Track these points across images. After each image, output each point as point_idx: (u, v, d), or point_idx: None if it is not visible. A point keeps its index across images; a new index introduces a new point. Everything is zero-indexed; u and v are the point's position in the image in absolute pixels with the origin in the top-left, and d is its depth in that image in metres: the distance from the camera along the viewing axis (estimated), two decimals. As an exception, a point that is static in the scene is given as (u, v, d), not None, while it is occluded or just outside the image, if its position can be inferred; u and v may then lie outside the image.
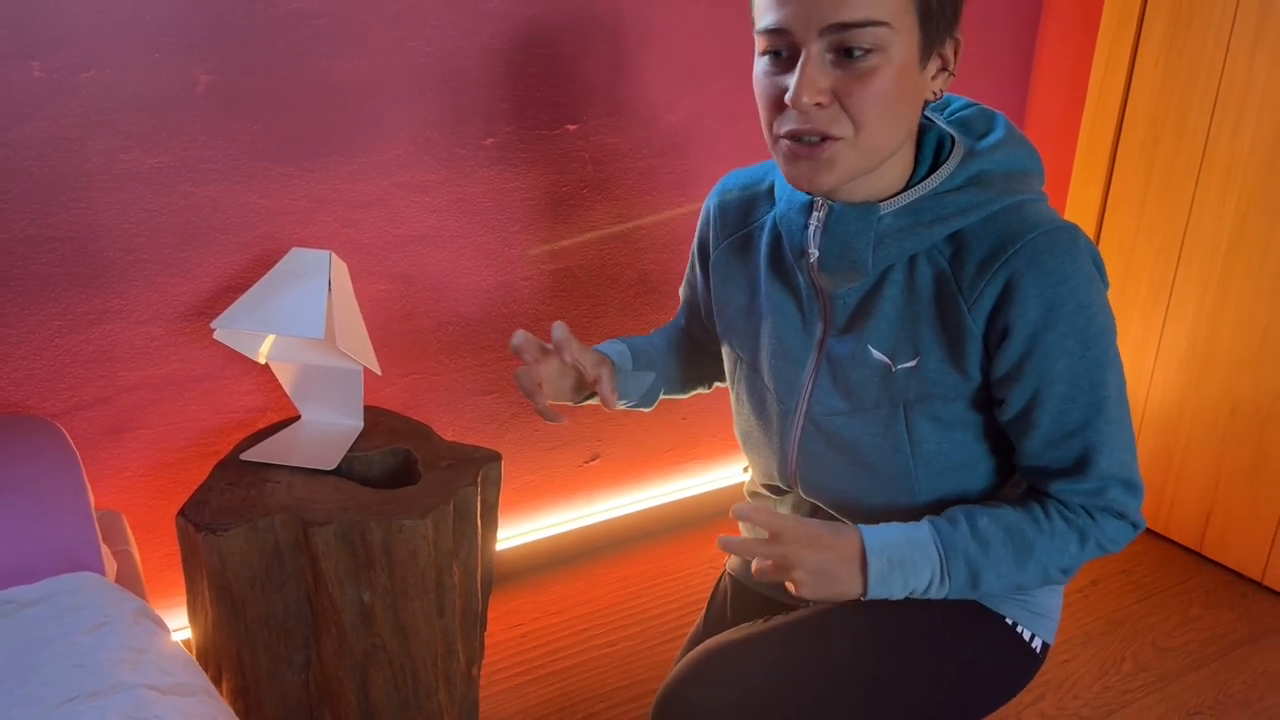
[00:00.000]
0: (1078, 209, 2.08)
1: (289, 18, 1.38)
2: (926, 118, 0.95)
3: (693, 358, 1.24)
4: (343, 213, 1.52)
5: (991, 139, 0.92)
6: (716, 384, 1.24)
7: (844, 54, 0.81)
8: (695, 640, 1.21)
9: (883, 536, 0.90)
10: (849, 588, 0.88)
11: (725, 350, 1.11)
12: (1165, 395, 2.00)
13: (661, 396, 1.19)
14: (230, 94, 1.38)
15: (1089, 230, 2.07)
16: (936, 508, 0.97)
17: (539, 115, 1.62)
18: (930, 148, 0.92)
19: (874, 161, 0.87)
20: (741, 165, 1.83)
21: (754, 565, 0.88)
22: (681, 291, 1.22)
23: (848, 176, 0.87)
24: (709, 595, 1.26)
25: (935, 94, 0.88)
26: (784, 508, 1.11)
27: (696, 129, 1.78)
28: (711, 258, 1.09)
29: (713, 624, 1.21)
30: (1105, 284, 0.91)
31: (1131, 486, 0.92)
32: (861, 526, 0.91)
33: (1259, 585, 1.92)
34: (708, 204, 1.11)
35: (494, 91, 1.57)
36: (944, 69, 0.87)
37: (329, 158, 1.48)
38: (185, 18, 1.32)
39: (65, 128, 1.29)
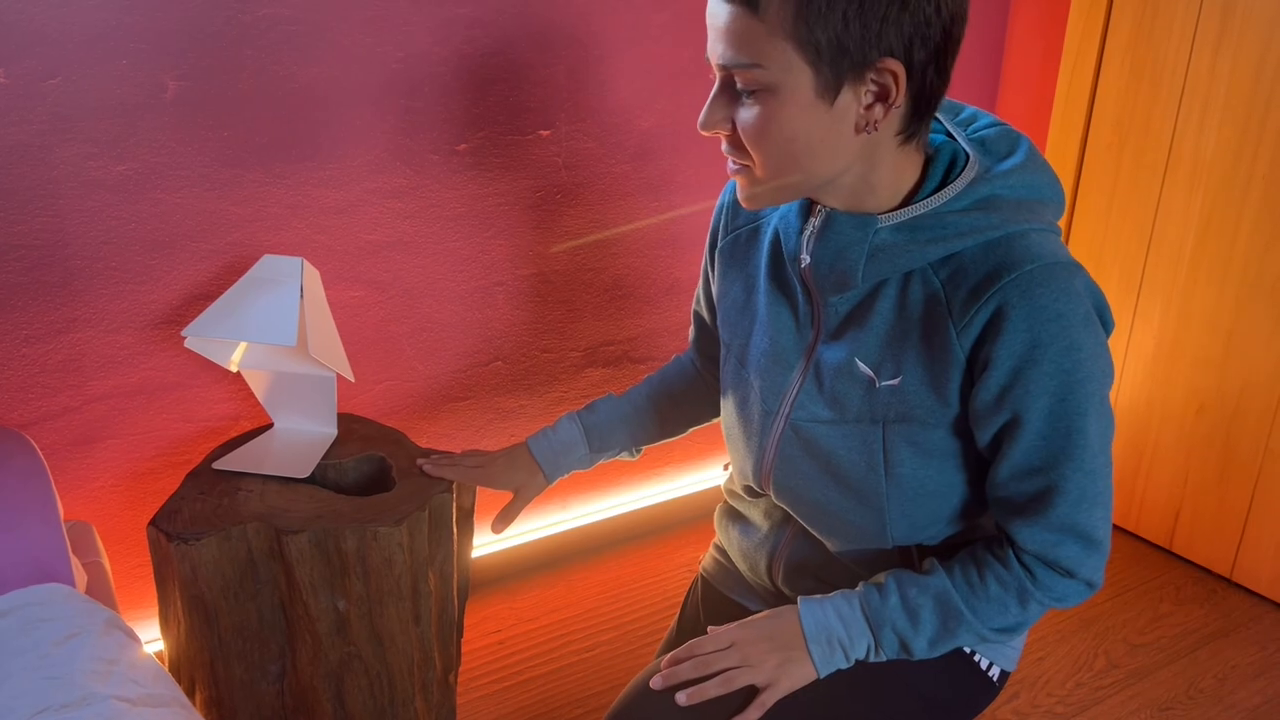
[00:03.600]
0: (1047, 211, 2.10)
1: (259, 23, 1.37)
2: (947, 133, 0.93)
3: (683, 405, 1.25)
4: (315, 219, 1.51)
5: (1010, 163, 0.89)
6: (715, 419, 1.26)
7: (738, 89, 0.84)
8: (670, 644, 1.22)
9: (818, 618, 0.94)
10: (807, 668, 0.94)
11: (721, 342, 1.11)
12: (1134, 394, 2.03)
13: (645, 449, 1.28)
14: (200, 100, 1.37)
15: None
16: (906, 530, 0.97)
17: (512, 121, 1.62)
18: (943, 164, 0.90)
19: (799, 189, 0.88)
20: (714, 170, 1.84)
21: (711, 686, 0.91)
22: (696, 293, 1.21)
23: (768, 202, 0.90)
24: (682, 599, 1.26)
25: (873, 124, 0.84)
26: (756, 512, 1.12)
27: (669, 134, 1.79)
28: (718, 246, 1.10)
29: (686, 628, 1.21)
30: (1109, 328, 0.88)
31: (1091, 543, 0.90)
32: (801, 608, 0.95)
33: (1228, 581, 1.94)
34: (723, 194, 1.11)
35: (466, 97, 1.57)
36: (881, 99, 0.82)
37: (300, 164, 1.47)
38: (154, 23, 1.31)
39: (31, 135, 1.28)
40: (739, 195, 0.92)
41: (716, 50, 0.84)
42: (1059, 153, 2.06)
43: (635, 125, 1.75)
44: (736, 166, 0.89)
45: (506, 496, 1.24)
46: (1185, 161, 1.85)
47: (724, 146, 0.89)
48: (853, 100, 0.82)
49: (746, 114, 0.84)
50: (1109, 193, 1.99)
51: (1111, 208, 2.00)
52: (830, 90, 0.81)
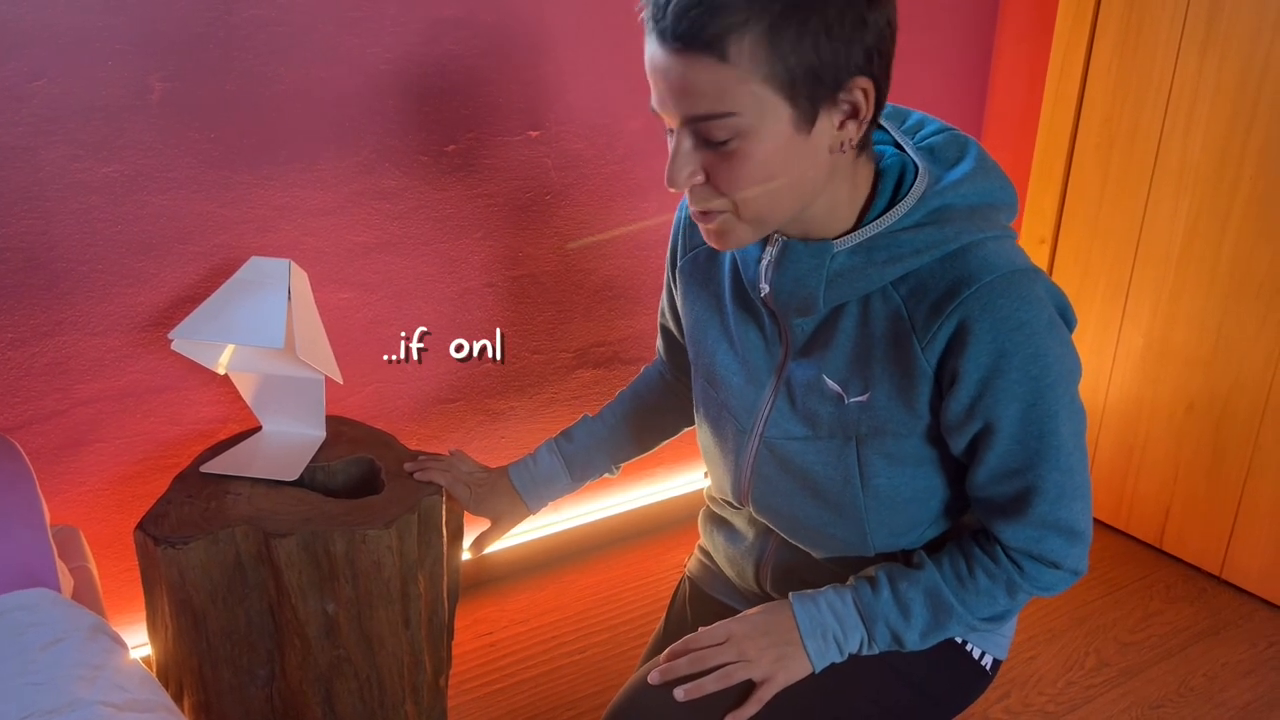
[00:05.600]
0: (1036, 212, 2.11)
1: (246, 25, 1.37)
2: (896, 144, 0.92)
3: (658, 419, 1.26)
4: (302, 221, 1.50)
5: (959, 171, 0.88)
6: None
7: (708, 139, 0.81)
8: (656, 644, 1.21)
9: (811, 613, 0.95)
10: (803, 662, 0.94)
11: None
12: (1124, 394, 2.03)
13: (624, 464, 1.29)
14: (186, 102, 1.36)
15: (1047, 232, 2.10)
16: (887, 538, 0.98)
17: (501, 121, 1.62)
18: (893, 178, 0.89)
19: (774, 222, 0.86)
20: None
21: (709, 681, 0.92)
22: (661, 306, 1.21)
23: (747, 241, 0.88)
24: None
25: (848, 142, 0.83)
26: (741, 519, 1.11)
27: (658, 135, 1.78)
28: (678, 266, 1.09)
29: (673, 628, 1.21)
30: (1071, 325, 0.89)
31: (1073, 535, 0.91)
32: (794, 604, 0.96)
33: (1217, 579, 1.95)
34: (679, 212, 1.10)
35: (455, 98, 1.56)
36: (853, 116, 0.81)
37: (288, 165, 1.46)
38: (140, 25, 1.30)
39: (16, 137, 1.27)
40: (709, 239, 0.88)
41: (681, 104, 0.79)
42: (1047, 156, 2.06)
43: (624, 126, 1.75)
44: (707, 213, 0.85)
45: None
46: (1172, 164, 1.86)
47: (692, 200, 0.85)
48: (827, 124, 0.81)
49: (723, 163, 0.81)
50: (1097, 195, 2.00)
51: (1100, 210, 2.00)
52: (807, 120, 0.80)
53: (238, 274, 1.23)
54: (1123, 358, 2.02)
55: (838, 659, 0.95)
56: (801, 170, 0.82)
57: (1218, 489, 1.91)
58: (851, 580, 0.97)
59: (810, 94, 0.78)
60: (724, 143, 0.80)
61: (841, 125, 0.82)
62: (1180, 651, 1.75)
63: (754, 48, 0.75)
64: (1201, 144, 1.81)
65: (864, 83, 0.79)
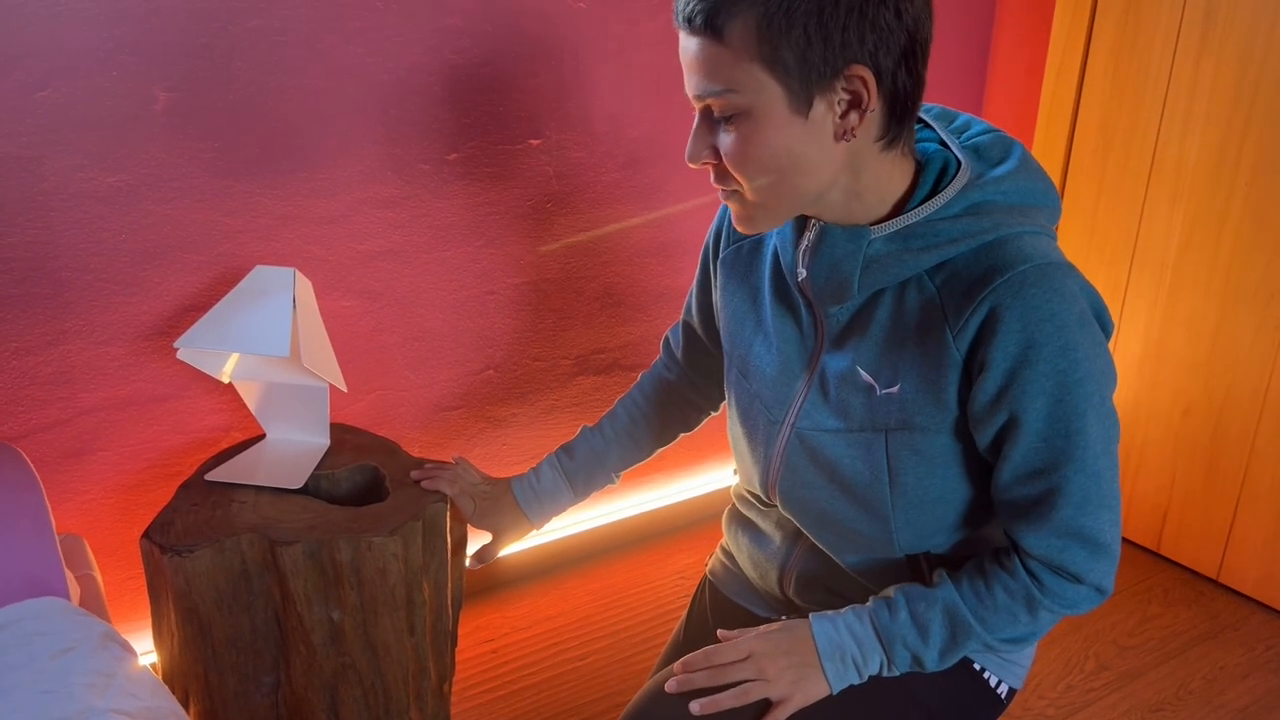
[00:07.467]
0: (1033, 217, 2.12)
1: (249, 35, 1.38)
2: (941, 141, 0.94)
3: (656, 428, 1.27)
4: (306, 229, 1.51)
5: (1003, 169, 0.89)
6: (701, 421, 1.29)
7: (715, 119, 0.86)
8: (675, 647, 1.22)
9: (830, 636, 0.95)
10: (820, 685, 0.94)
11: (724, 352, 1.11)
12: (1121, 398, 2.04)
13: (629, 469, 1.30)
14: (190, 111, 1.37)
15: (1044, 238, 2.11)
16: (912, 538, 0.98)
17: (503, 130, 1.63)
18: (934, 172, 0.90)
19: (791, 207, 0.89)
20: (703, 177, 1.85)
21: (726, 698, 0.92)
22: (687, 302, 1.22)
23: (766, 225, 0.92)
24: (686, 603, 1.26)
25: (850, 130, 0.84)
26: (769, 523, 1.12)
27: (658, 142, 1.80)
28: (720, 255, 1.10)
29: (694, 630, 1.21)
30: (1108, 330, 0.88)
31: (1098, 548, 0.89)
32: (814, 625, 0.96)
33: (1215, 583, 1.96)
34: (723, 207, 1.11)
35: (457, 107, 1.57)
36: (855, 106, 0.83)
37: (291, 174, 1.47)
38: (144, 36, 1.31)
39: (21, 147, 1.28)
40: (734, 221, 0.93)
41: (691, 83, 0.86)
42: (1044, 160, 2.08)
43: (625, 133, 1.75)
44: (726, 193, 0.91)
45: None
46: (1168, 168, 1.87)
47: (712, 177, 0.91)
48: (827, 110, 0.83)
49: (727, 140, 0.86)
50: (1094, 199, 2.01)
51: (1097, 214, 2.02)
52: (803, 104, 0.82)
53: (242, 283, 1.24)
54: (1120, 362, 2.03)
55: (856, 681, 0.95)
56: (804, 155, 0.85)
57: (1215, 493, 1.92)
58: (870, 601, 0.97)
59: (802, 78, 0.81)
60: (728, 120, 0.85)
61: (844, 114, 0.84)
62: (1178, 655, 1.76)
63: (745, 30, 0.80)
64: (1198, 148, 1.82)
65: (862, 71, 0.81)
